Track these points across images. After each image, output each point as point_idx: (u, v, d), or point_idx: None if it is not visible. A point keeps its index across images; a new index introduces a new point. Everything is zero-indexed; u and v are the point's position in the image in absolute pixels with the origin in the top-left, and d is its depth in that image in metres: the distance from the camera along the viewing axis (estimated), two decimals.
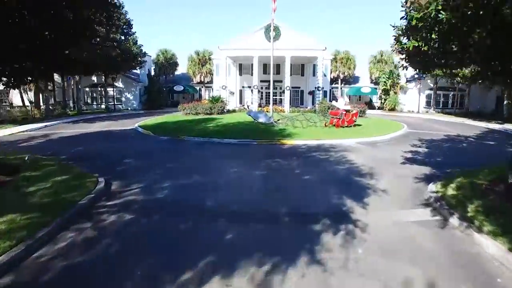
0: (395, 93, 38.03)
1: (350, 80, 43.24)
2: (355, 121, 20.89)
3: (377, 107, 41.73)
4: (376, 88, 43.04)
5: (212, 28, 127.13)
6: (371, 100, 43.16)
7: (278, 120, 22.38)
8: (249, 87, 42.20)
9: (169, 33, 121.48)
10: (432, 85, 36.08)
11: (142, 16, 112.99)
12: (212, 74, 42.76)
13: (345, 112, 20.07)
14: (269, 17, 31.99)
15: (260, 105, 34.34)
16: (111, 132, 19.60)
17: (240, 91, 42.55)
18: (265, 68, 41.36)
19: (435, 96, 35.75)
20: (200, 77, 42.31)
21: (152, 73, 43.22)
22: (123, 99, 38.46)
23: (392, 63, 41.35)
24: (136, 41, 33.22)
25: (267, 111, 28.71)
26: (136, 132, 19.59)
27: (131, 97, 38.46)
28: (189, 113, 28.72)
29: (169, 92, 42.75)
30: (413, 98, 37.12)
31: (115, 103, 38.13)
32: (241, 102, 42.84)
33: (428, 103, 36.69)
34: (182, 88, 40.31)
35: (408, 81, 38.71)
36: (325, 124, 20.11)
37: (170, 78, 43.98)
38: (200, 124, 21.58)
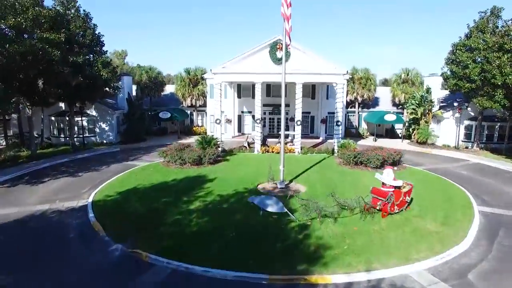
0: (426, 122, 31.35)
1: (369, 103, 36.55)
2: (408, 202, 14.24)
3: (401, 135, 35.11)
4: (400, 113, 36.42)
5: (206, 42, 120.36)
6: (393, 127, 36.51)
7: (292, 197, 15.64)
8: (250, 112, 35.57)
9: (156, 48, 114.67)
10: (473, 113, 29.42)
11: (123, 29, 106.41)
12: (206, 97, 36.04)
13: (393, 189, 13.37)
14: (273, 34, 25.45)
15: (264, 141, 27.61)
16: (37, 229, 12.76)
17: (239, 117, 35.90)
18: (268, 90, 34.75)
19: (479, 128, 29.06)
20: (191, 100, 35.56)
21: (134, 92, 36.49)
22: (97, 129, 31.67)
23: (420, 83, 34.68)
24: (108, 62, 26.41)
25: (276, 151, 21.86)
26: (83, 224, 12.83)
27: (107, 128, 31.66)
28: (172, 163, 21.98)
29: (154, 117, 36.10)
30: (449, 129, 30.43)
31: (87, 135, 31.34)
32: (240, 130, 36.19)
33: (468, 136, 30.01)
34: (169, 115, 33.53)
35: (441, 106, 32.04)
36: (365, 208, 13.40)
37: (156, 99, 37.16)
38: (180, 201, 14.85)
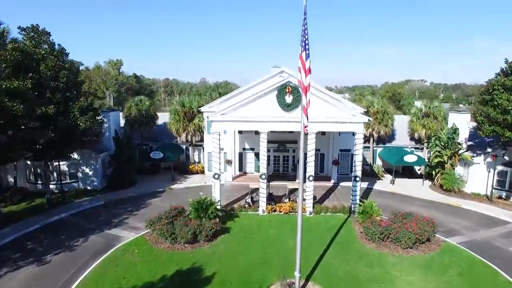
0: (452, 165, 27.66)
1: (385, 138, 32.82)
2: None
3: (420, 174, 31.48)
4: (419, 148, 32.82)
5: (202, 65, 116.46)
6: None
7: None
8: (252, 149, 31.85)
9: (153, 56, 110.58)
10: (507, 158, 25.73)
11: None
12: (203, 132, 32.25)
13: None
14: (279, 62, 21.66)
15: (270, 197, 23.83)
16: None
17: (240, 155, 32.18)
18: None
19: None
20: (187, 135, 31.77)
21: (121, 120, 32.70)
22: (80, 174, 27.89)
23: (443, 118, 30.95)
24: (87, 107, 22.59)
25: (284, 211, 18.18)
26: None
27: (91, 172, 27.88)
28: (161, 240, 18.22)
29: (145, 156, 32.33)
30: (480, 175, 26.73)
31: (68, 181, 27.60)
32: (241, 168, 32.48)
33: (501, 183, 26.30)
34: (161, 155, 29.73)
35: (469, 146, 28.34)
36: None
37: (148, 133, 33.31)
38: None
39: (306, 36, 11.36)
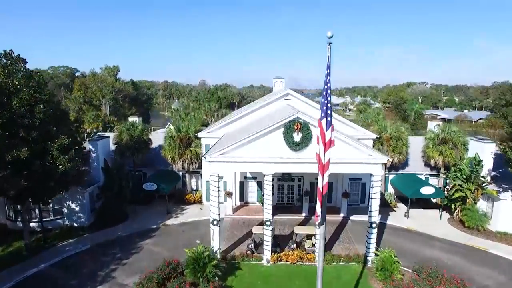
0: (474, 199, 25.14)
1: (398, 166, 30.27)
2: None
3: (436, 203, 29.01)
4: (435, 175, 30.37)
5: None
6: None
7: None
8: (254, 178, 29.31)
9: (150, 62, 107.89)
10: None
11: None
12: (200, 159, 29.68)
13: None
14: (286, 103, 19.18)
15: (275, 243, 21.23)
16: None
17: (241, 184, 29.64)
18: None
19: None
20: (183, 163, 29.18)
21: (112, 145, 30.08)
22: (66, 210, 25.32)
23: (463, 145, 28.40)
24: (68, 145, 19.97)
25: (291, 262, 15.91)
26: None
27: (77, 208, 25.31)
28: None
29: (139, 183, 29.79)
30: (507, 212, 24.19)
31: (52, 217, 25.05)
32: (242, 198, 29.99)
33: None
34: (155, 186, 27.17)
35: (493, 177, 25.83)
36: None
37: (140, 160, 30.68)
38: None
39: (329, 98, 8.85)
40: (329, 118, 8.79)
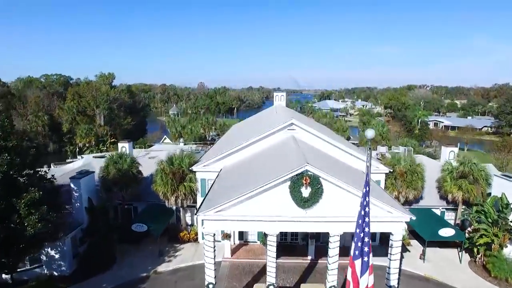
0: (501, 245, 22.56)
1: (412, 200, 27.64)
2: None
3: (454, 241, 26.44)
4: (452, 209, 27.81)
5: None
6: None
7: None
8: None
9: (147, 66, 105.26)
10: None
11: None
12: (196, 194, 27.00)
13: None
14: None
15: None
16: None
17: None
18: None
19: None
20: (176, 199, 26.49)
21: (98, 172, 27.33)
22: (44, 257, 22.64)
23: (485, 180, 25.79)
24: (39, 200, 17.20)
25: None
26: None
27: (57, 255, 22.65)
28: None
29: (128, 218, 27.08)
30: None
31: (29, 267, 22.39)
32: (241, 237, 27.29)
33: None
34: (145, 228, 24.53)
35: None
36: None
37: (130, 195, 27.96)
38: None
39: (366, 230, 6.23)
40: (366, 259, 6.21)
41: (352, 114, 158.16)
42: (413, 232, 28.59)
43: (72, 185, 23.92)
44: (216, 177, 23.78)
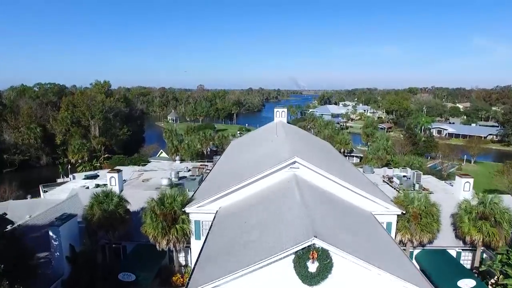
0: None
1: (426, 243, 25.27)
2: None
3: None
4: (470, 249, 25.46)
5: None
6: None
7: None
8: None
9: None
10: None
11: None
12: (189, 236, 24.65)
13: None
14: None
15: None
16: None
17: None
18: None
19: None
20: (168, 243, 24.13)
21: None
22: None
23: (509, 222, 23.42)
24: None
25: None
26: None
27: None
28: None
29: (116, 259, 24.67)
30: None
31: None
32: None
33: None
34: (133, 277, 22.21)
35: None
36: None
37: (116, 238, 25.58)
38: None
39: None
40: None
41: (354, 119, 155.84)
42: (424, 271, 26.29)
43: (50, 233, 21.54)
44: (211, 227, 21.43)
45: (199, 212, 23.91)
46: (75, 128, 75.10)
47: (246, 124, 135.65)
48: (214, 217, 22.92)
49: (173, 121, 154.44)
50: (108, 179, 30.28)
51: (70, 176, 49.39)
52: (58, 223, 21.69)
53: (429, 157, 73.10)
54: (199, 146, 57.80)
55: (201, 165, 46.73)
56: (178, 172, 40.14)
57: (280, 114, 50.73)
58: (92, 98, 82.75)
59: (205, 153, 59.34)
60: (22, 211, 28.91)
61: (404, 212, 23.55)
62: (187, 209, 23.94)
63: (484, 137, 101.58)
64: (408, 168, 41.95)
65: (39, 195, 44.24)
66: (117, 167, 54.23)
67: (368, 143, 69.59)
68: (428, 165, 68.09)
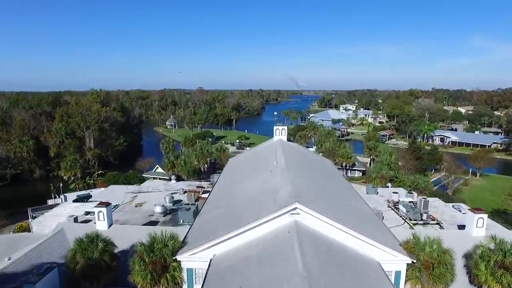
0: None
1: None
2: None
3: None
4: None
5: None
6: None
7: None
8: None
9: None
10: None
11: None
12: (181, 285, 22.64)
13: None
14: None
15: None
16: None
17: None
18: None
19: None
20: None
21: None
22: None
23: None
24: None
25: None
26: None
27: None
28: None
29: None
30: None
31: None
32: None
33: None
34: None
35: None
36: None
37: (103, 283, 23.60)
38: None
39: None
40: None
41: (354, 124, 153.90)
42: None
43: None
44: (205, 279, 19.45)
45: (192, 260, 21.95)
46: (69, 140, 73.13)
47: (246, 131, 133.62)
48: (209, 266, 21.01)
49: (172, 126, 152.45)
50: (96, 213, 28.30)
51: (62, 196, 47.40)
52: (34, 279, 19.69)
53: (433, 170, 71.21)
54: (196, 162, 55.80)
55: (197, 187, 44.79)
56: (172, 196, 38.27)
57: (280, 132, 48.89)
58: (87, 108, 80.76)
59: (202, 169, 57.39)
60: (2, 250, 26.93)
61: (414, 261, 21.57)
62: (178, 257, 21.95)
63: (488, 146, 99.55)
64: (414, 193, 39.98)
65: (27, 218, 42.46)
66: (111, 186, 52.42)
67: (371, 157, 67.60)
68: (432, 180, 66.18)
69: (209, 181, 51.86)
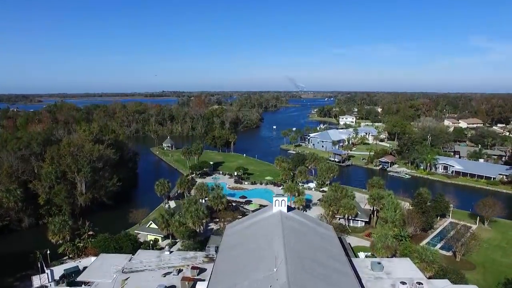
0: None
1: None
2: None
3: None
4: None
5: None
6: None
7: None
8: None
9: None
10: None
11: None
12: None
13: None
14: None
15: None
16: None
17: None
18: None
19: None
20: None
21: None
22: None
23: None
24: None
25: None
26: None
27: None
28: None
29: None
30: None
31: None
32: None
33: None
34: None
35: None
36: None
37: None
38: None
39: None
40: None
41: (355, 144, 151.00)
42: None
43: None
44: None
45: None
46: (60, 186, 69.90)
47: (244, 155, 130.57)
48: None
49: (169, 148, 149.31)
50: None
51: (48, 271, 44.39)
52: None
53: (438, 217, 68.46)
54: (191, 225, 52.82)
55: (192, 267, 41.91)
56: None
57: (280, 203, 46.09)
58: (79, 148, 77.64)
59: (198, 231, 54.44)
60: None
61: None
62: None
63: (493, 178, 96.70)
64: (423, 283, 37.11)
65: None
66: (101, 255, 49.13)
67: (374, 207, 64.75)
68: (438, 230, 63.35)
69: (204, 248, 49.05)
